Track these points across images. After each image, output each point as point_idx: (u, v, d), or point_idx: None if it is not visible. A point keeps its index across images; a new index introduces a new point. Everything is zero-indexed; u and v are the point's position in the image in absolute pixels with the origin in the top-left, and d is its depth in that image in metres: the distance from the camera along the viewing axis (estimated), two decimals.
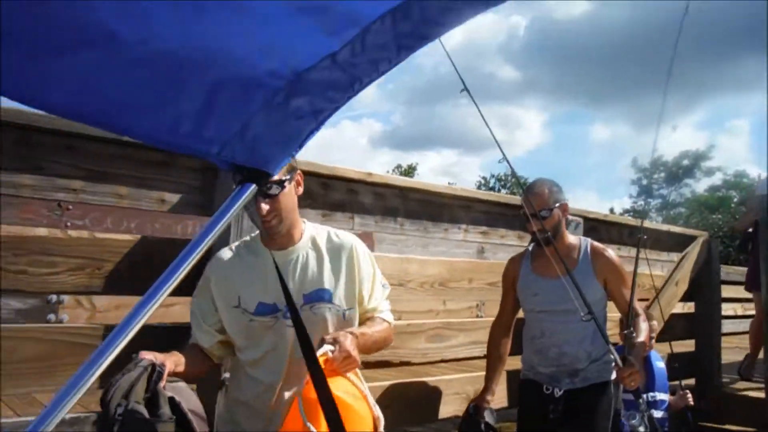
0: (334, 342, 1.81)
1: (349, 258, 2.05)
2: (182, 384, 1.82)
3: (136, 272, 2.36)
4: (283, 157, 1.07)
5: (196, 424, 1.70)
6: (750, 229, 5.23)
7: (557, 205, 2.82)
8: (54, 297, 3.76)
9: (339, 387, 1.73)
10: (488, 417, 2.85)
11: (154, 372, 1.67)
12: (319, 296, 1.99)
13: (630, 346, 2.62)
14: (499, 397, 3.59)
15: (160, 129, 0.94)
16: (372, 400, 1.85)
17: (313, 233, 2.06)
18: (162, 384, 1.69)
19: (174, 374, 1.84)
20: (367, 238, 4.20)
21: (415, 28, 1.05)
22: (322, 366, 1.67)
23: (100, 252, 2.30)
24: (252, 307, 1.98)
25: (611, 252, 2.90)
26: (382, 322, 2.11)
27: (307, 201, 2.91)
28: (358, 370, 1.88)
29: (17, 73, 0.83)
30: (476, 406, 2.88)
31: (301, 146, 1.10)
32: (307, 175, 2.78)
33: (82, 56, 0.86)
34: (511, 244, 4.05)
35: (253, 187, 1.04)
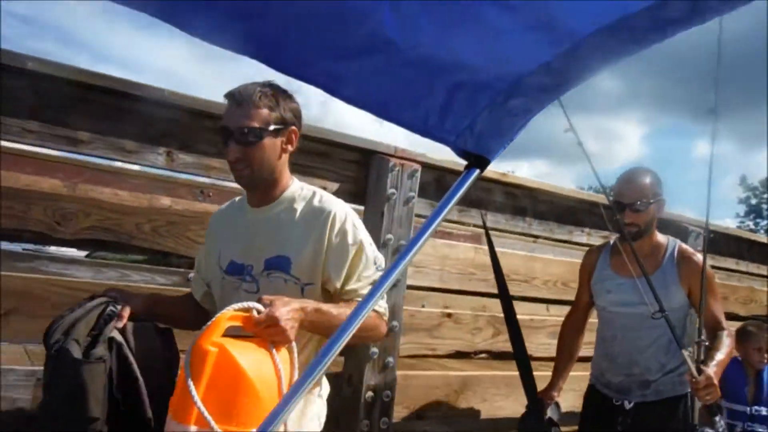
0: (270, 305, 1.54)
1: (323, 225, 1.75)
2: (149, 324, 1.75)
3: None
4: (500, 147, 1.28)
5: (141, 370, 1.63)
6: None
7: (656, 199, 2.58)
8: (193, 274, 4.15)
9: (247, 354, 1.46)
10: (552, 413, 2.74)
11: (106, 310, 1.63)
12: (278, 264, 1.76)
13: (707, 357, 2.36)
14: None
15: (416, 120, 1.18)
16: (287, 386, 1.50)
17: (296, 193, 1.84)
18: (120, 323, 1.64)
19: (155, 316, 1.80)
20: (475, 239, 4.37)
21: (621, 44, 1.23)
22: (238, 323, 1.49)
23: None
24: (225, 264, 1.86)
25: (701, 257, 2.58)
26: None
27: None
28: (295, 350, 1.58)
29: (323, 68, 1.08)
30: (540, 400, 2.73)
31: (512, 139, 1.31)
32: (449, 172, 3.01)
33: (366, 60, 1.10)
34: None
35: (477, 171, 1.25)
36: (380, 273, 1.80)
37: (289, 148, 1.83)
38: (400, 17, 1.10)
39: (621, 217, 2.52)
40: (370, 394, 2.61)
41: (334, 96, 1.09)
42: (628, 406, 2.59)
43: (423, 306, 3.36)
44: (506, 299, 1.82)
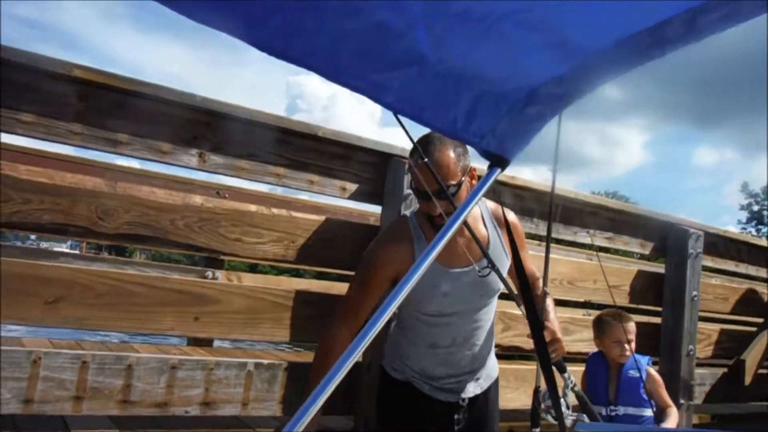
0: None
1: None
2: None
3: (322, 247, 2.81)
4: (518, 149, 1.45)
5: None
6: None
7: (465, 173, 2.13)
8: (210, 273, 4.33)
9: None
10: None
11: None
12: None
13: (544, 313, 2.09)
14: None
15: (447, 124, 1.34)
16: None
17: None
18: None
19: None
20: None
21: (625, 59, 1.40)
22: None
23: (294, 228, 2.76)
24: None
25: (513, 214, 2.36)
26: None
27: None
28: None
29: (368, 78, 1.25)
30: None
31: (528, 142, 1.47)
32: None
33: (404, 71, 1.27)
34: (632, 250, 4.30)
35: (499, 170, 1.41)
36: None
37: None
38: (432, 34, 1.27)
39: (430, 207, 2.06)
40: None
41: (377, 103, 1.25)
42: (464, 402, 2.28)
43: None
44: (527, 295, 1.81)
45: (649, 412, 2.91)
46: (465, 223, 1.99)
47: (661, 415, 3.00)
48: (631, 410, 2.92)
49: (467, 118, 1.36)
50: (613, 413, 2.90)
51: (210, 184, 4.90)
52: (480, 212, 2.26)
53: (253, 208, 2.74)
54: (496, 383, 2.40)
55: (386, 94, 1.26)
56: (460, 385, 2.27)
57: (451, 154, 2.08)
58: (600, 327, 3.05)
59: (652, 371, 3.08)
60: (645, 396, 2.89)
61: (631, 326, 3.00)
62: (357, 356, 1.35)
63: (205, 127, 2.60)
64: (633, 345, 2.93)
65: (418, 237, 2.17)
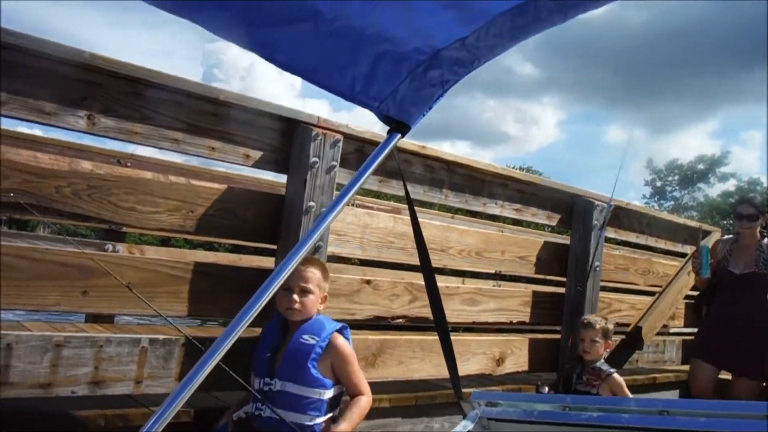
0: None
1: None
2: None
3: (222, 217, 2.68)
4: (419, 114, 1.38)
5: None
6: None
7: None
8: (110, 246, 4.12)
9: None
10: None
11: None
12: None
13: None
14: (521, 361, 3.94)
15: (343, 86, 1.26)
16: None
17: None
18: None
19: None
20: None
21: (528, 24, 1.35)
22: None
23: (193, 197, 2.61)
24: None
25: None
26: None
27: None
28: None
29: (259, 34, 1.14)
30: None
31: (430, 108, 1.41)
32: (369, 143, 3.10)
33: (297, 27, 1.17)
34: (539, 222, 4.35)
35: (399, 135, 1.34)
36: None
37: None
38: None
39: None
40: None
41: (269, 61, 1.15)
42: None
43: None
44: (427, 266, 1.71)
45: (321, 395, 2.21)
46: None
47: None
48: (291, 387, 2.20)
49: (366, 80, 1.28)
50: (266, 388, 2.21)
51: (110, 152, 4.63)
52: None
53: (148, 175, 2.57)
54: None
55: (278, 52, 1.17)
56: None
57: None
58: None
59: (340, 340, 2.27)
60: (317, 372, 2.21)
61: (311, 273, 2.31)
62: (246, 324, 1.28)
63: (95, 86, 2.40)
64: (313, 297, 2.27)
65: None
